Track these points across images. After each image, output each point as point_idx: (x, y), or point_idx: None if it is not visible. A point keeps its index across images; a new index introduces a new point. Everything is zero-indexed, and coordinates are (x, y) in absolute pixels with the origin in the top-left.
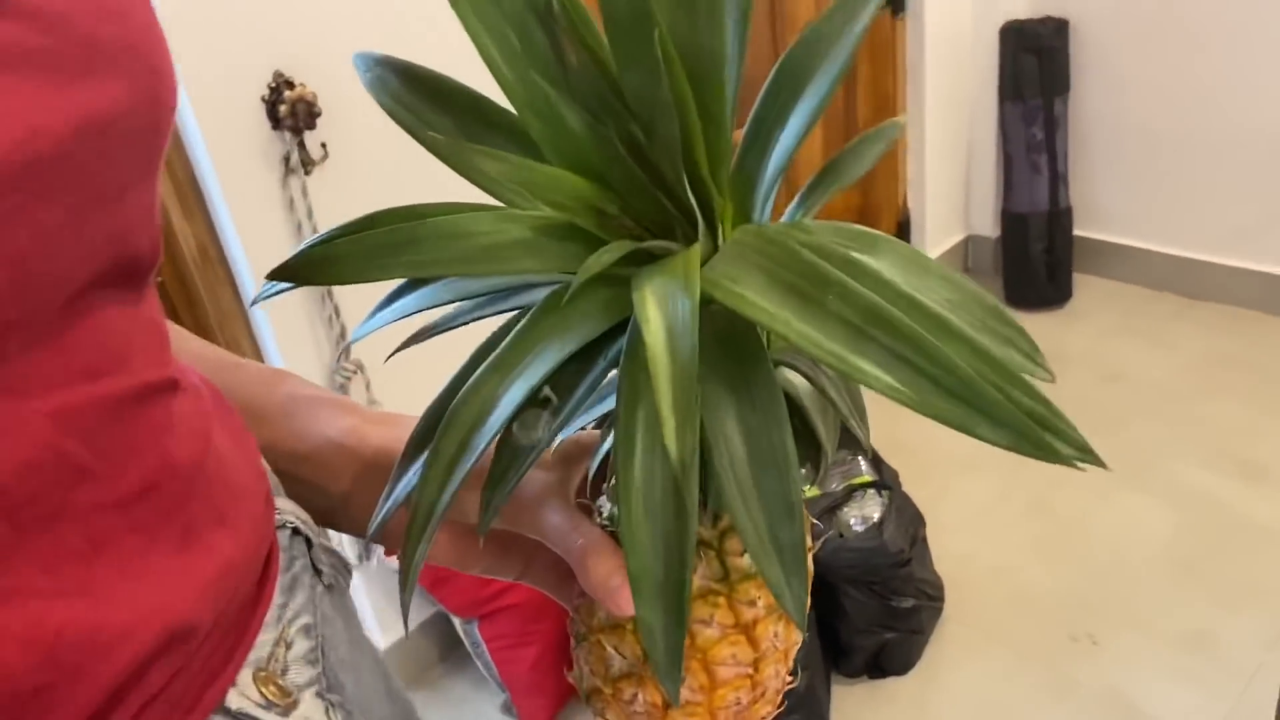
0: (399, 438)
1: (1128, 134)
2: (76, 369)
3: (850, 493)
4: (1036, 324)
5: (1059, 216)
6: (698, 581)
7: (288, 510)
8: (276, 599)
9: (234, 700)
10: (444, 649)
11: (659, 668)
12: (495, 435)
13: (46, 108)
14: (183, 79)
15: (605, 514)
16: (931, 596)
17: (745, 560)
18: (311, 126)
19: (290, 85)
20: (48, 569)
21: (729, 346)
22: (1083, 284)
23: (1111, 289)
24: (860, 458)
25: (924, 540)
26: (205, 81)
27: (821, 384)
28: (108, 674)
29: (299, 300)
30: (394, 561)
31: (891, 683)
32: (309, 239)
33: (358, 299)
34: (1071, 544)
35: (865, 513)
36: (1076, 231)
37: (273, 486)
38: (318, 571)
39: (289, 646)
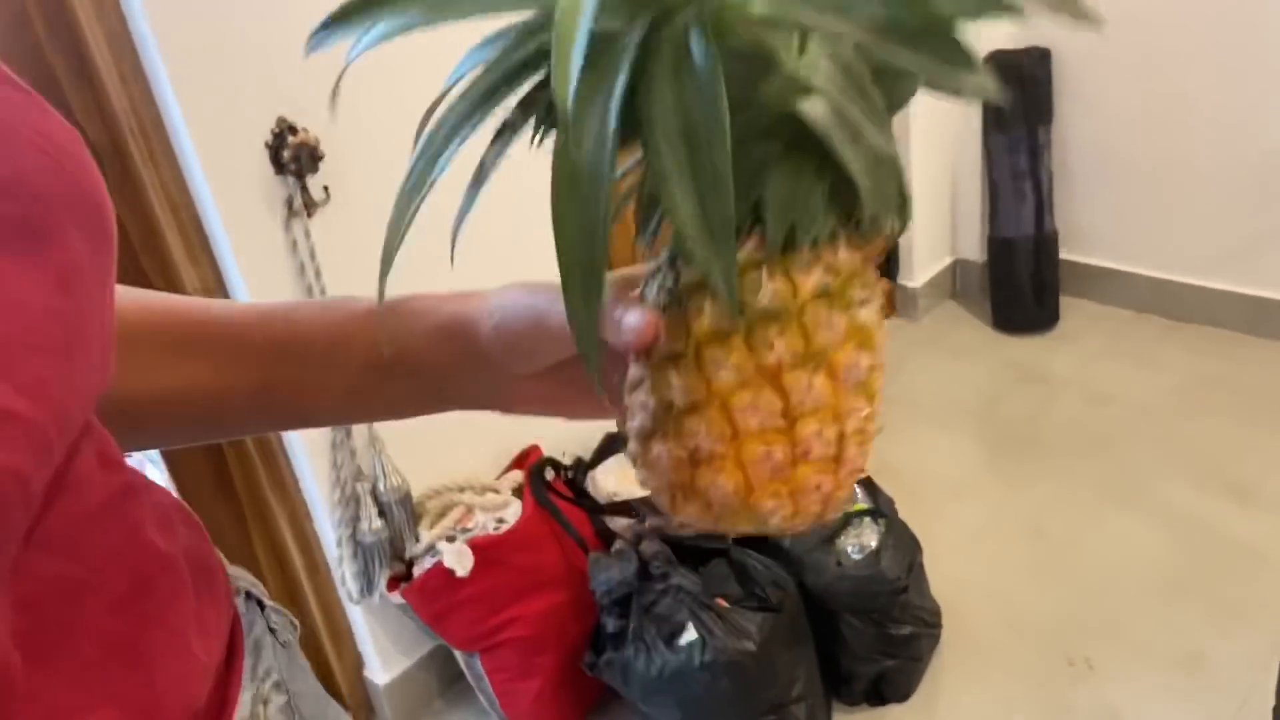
0: (467, 307)
1: (1110, 160)
2: (52, 494)
3: (847, 520)
4: (1025, 347)
5: (1045, 241)
6: (708, 322)
7: (239, 575)
8: (246, 660)
9: None
10: (445, 682)
11: (584, 354)
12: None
13: (27, 278)
14: (188, 126)
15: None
16: (929, 623)
17: (763, 298)
18: (314, 170)
19: (293, 131)
20: (74, 684)
21: (666, 28)
22: (1070, 307)
23: (1098, 312)
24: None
25: (920, 567)
26: (210, 128)
27: (848, 112)
28: None
29: None
30: (395, 596)
31: (892, 710)
32: None
33: None
34: (1065, 567)
35: (862, 541)
36: (1062, 255)
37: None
38: (271, 630)
39: (266, 703)
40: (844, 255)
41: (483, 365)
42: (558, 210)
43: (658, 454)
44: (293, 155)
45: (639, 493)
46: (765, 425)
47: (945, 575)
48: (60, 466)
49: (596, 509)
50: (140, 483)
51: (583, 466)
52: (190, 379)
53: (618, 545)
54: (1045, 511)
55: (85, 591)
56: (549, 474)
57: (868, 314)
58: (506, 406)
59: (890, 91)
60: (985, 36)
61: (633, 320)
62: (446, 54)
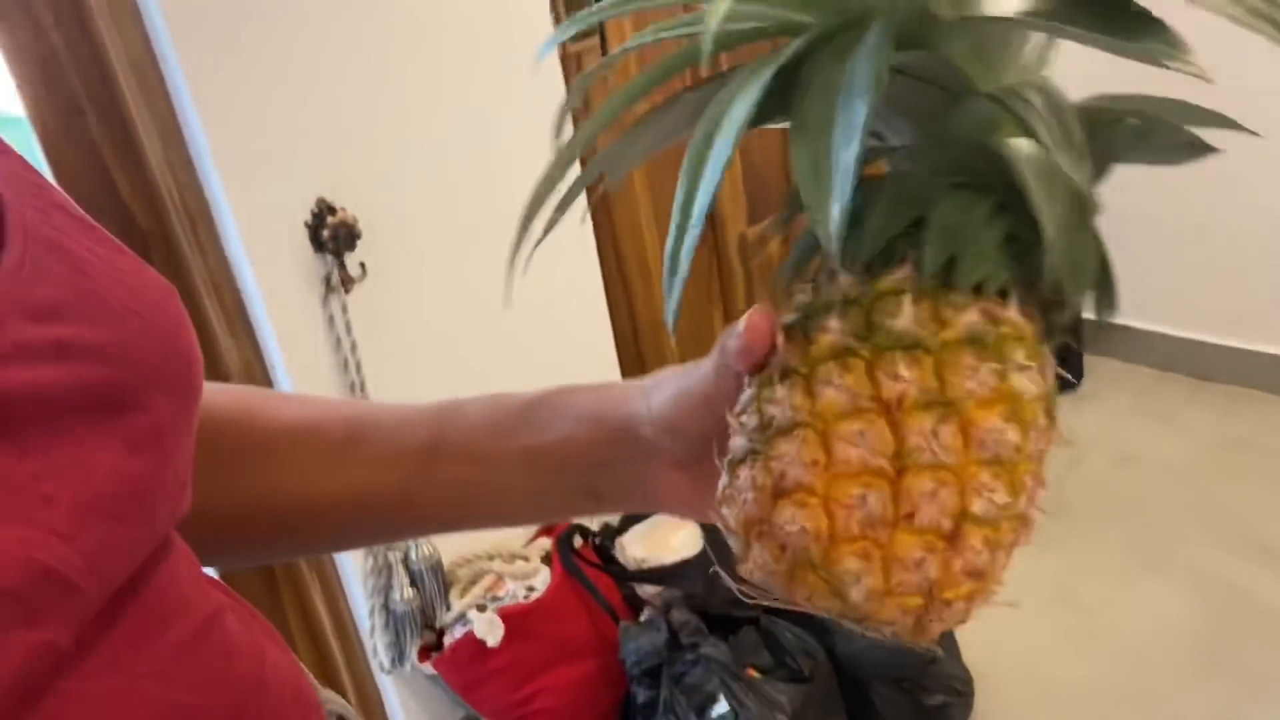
0: (620, 392)
1: (1131, 220)
2: (148, 626)
3: None
4: None
5: None
6: (832, 336)
7: (330, 699)
8: None
9: None
10: None
11: (667, 279)
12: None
13: (101, 443)
14: (232, 208)
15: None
16: (961, 692)
17: (900, 323)
18: (351, 248)
19: (332, 211)
20: None
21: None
22: (1094, 365)
23: (1122, 370)
24: None
25: (952, 634)
26: (252, 210)
27: (1052, 154)
28: None
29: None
30: (426, 666)
31: None
32: None
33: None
34: (1096, 633)
35: None
36: (1086, 314)
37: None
38: None
39: None
40: (1011, 313)
41: (635, 450)
42: (689, 155)
43: (742, 481)
44: (331, 234)
45: (667, 559)
46: (867, 464)
47: (975, 641)
48: (142, 578)
49: (624, 576)
50: (226, 604)
51: (610, 533)
52: (343, 483)
53: (647, 613)
54: (1074, 575)
55: (199, 717)
56: (577, 541)
57: (1026, 384)
58: (654, 500)
59: (1099, 145)
60: None
61: (741, 324)
62: (476, 134)
